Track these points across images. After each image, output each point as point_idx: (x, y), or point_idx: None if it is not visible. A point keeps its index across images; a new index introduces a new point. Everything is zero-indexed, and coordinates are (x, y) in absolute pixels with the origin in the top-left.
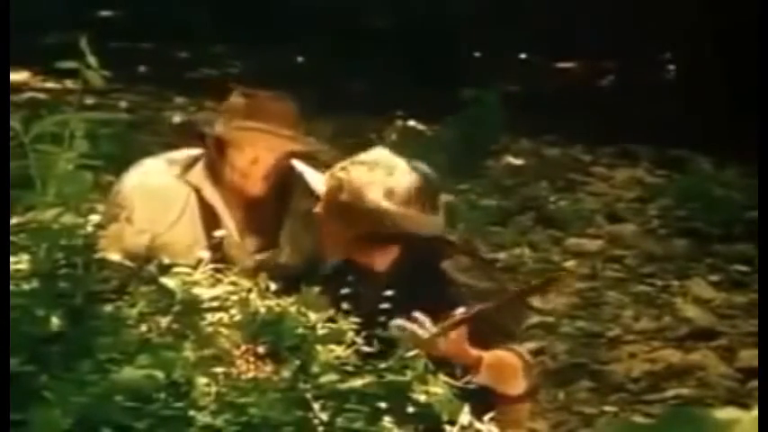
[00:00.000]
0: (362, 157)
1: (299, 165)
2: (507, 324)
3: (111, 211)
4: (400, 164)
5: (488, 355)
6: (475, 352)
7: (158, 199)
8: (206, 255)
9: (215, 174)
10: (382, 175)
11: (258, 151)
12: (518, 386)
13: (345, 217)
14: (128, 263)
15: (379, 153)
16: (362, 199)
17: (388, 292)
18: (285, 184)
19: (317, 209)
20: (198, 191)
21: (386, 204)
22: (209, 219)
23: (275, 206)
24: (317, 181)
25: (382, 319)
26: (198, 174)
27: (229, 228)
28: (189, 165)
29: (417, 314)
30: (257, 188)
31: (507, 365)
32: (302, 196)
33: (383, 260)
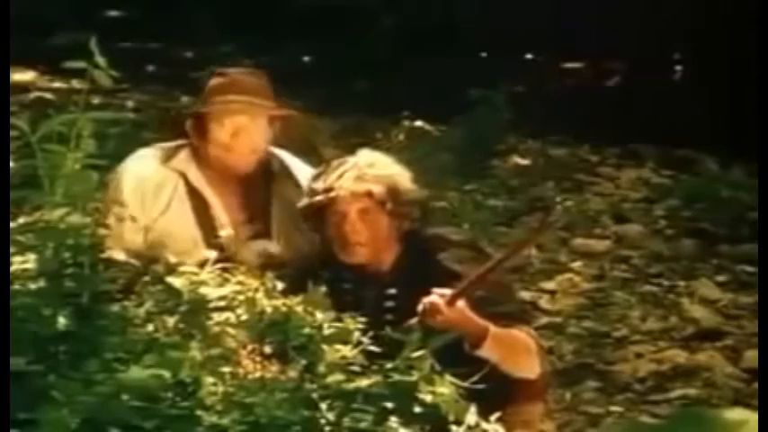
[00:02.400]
0: (364, 159)
1: (281, 153)
2: (511, 304)
3: (107, 206)
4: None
5: (499, 330)
6: (482, 321)
7: (147, 187)
8: (211, 253)
9: (199, 157)
10: (398, 167)
11: (238, 122)
12: (532, 368)
13: (395, 213)
14: (133, 261)
15: (369, 154)
16: (406, 193)
17: (392, 291)
18: (269, 170)
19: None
20: (184, 176)
21: (419, 192)
22: (199, 206)
23: (262, 192)
24: (303, 171)
25: (388, 317)
26: (182, 159)
27: (218, 212)
28: (172, 152)
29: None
30: (243, 162)
31: (519, 341)
32: (286, 185)
33: (388, 259)
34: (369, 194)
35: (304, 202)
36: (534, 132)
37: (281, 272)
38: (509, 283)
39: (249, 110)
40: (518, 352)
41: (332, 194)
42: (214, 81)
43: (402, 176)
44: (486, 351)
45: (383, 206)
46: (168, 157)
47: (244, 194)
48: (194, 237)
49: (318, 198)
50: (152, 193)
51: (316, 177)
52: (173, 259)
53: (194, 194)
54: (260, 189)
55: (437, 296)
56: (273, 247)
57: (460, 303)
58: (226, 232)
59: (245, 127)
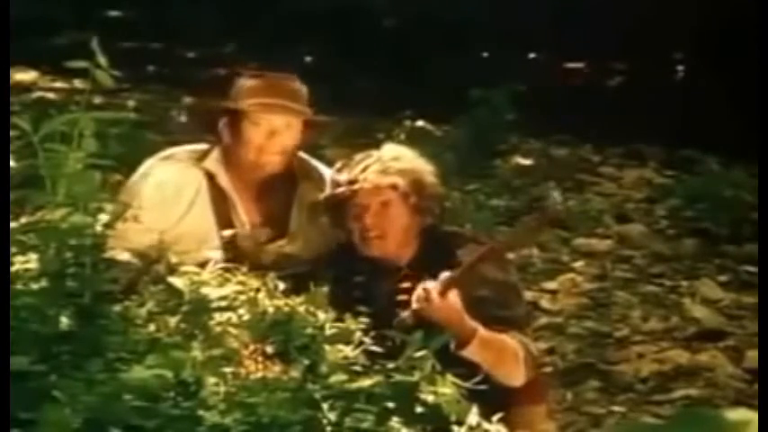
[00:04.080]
0: (388, 152)
1: (305, 156)
2: (511, 306)
3: (120, 209)
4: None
5: (487, 333)
6: (471, 322)
7: (167, 192)
8: (216, 254)
9: (229, 159)
10: (422, 162)
11: (274, 124)
12: (517, 376)
13: (418, 208)
14: (135, 261)
15: (394, 148)
16: (430, 187)
17: (406, 285)
18: (292, 173)
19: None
20: (211, 177)
21: (440, 188)
22: (221, 207)
23: (284, 195)
24: (326, 175)
25: (399, 311)
26: (213, 161)
27: (240, 216)
28: (203, 154)
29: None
30: (274, 163)
31: (507, 347)
32: (309, 186)
33: (406, 254)
34: (393, 187)
35: (326, 193)
36: (536, 132)
37: (292, 271)
38: (517, 285)
39: (288, 113)
40: (504, 358)
41: (355, 187)
42: (248, 82)
43: (426, 171)
44: (471, 353)
45: (406, 200)
46: (199, 158)
47: (267, 197)
48: (213, 238)
49: (341, 190)
50: (172, 197)
51: (339, 170)
52: (175, 259)
53: (218, 195)
54: (283, 192)
55: (429, 284)
56: (289, 248)
57: (453, 296)
58: (241, 231)
59: (281, 129)
